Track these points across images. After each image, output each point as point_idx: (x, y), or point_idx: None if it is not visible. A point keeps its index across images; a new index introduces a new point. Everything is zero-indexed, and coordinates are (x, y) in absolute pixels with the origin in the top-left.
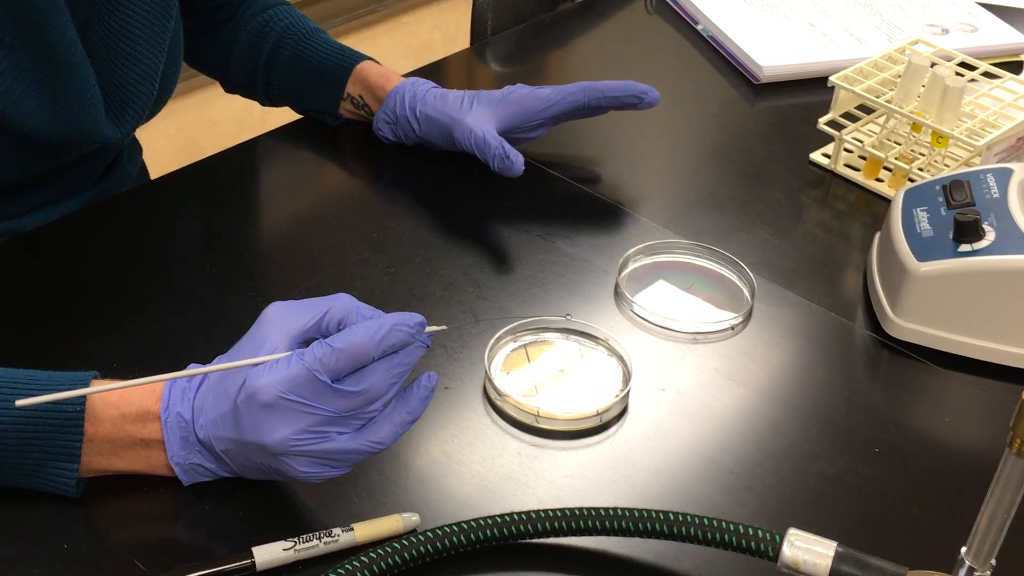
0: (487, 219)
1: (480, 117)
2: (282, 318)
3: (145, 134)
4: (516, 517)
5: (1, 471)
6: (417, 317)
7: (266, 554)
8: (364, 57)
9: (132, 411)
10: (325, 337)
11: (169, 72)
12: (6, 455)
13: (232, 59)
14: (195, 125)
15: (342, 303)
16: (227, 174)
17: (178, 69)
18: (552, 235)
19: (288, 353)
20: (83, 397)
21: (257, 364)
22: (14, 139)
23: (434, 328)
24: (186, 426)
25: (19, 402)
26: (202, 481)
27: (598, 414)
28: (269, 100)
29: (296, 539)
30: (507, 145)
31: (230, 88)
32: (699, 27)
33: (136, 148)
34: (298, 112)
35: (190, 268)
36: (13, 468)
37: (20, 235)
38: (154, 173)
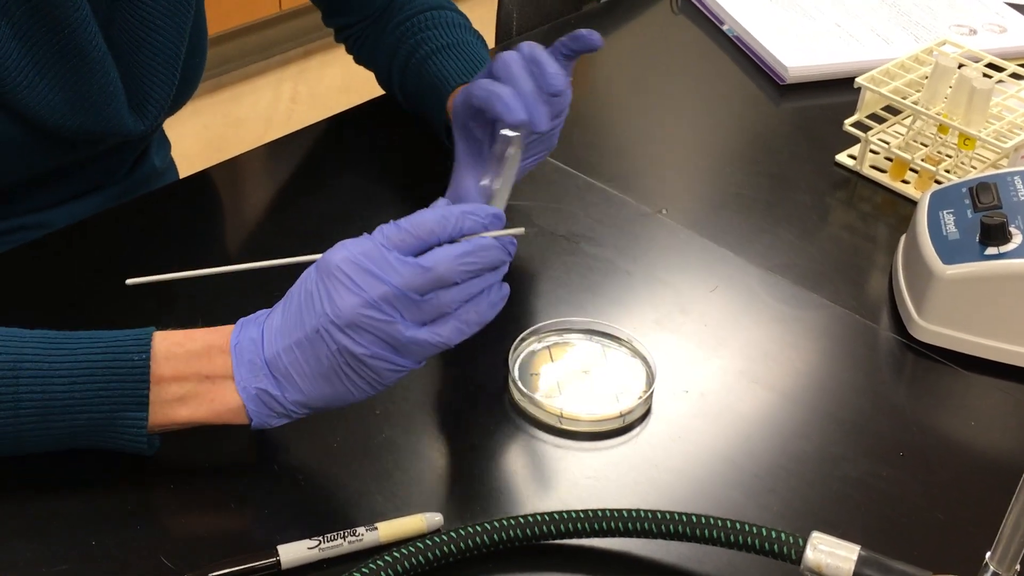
0: (510, 219)
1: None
2: None
3: (171, 131)
4: (539, 518)
5: (75, 430)
6: (492, 209)
7: (291, 552)
8: (464, 82)
9: (198, 347)
10: None
11: (191, 64)
12: (80, 407)
13: (377, 64)
14: (222, 122)
15: None
16: (255, 173)
17: (202, 61)
18: (576, 236)
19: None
20: (147, 345)
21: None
22: (38, 133)
23: (511, 231)
24: (255, 348)
25: (129, 281)
26: (266, 426)
27: (621, 416)
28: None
29: (321, 538)
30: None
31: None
32: (724, 27)
33: (165, 144)
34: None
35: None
36: (88, 423)
37: (51, 233)
38: (182, 171)
